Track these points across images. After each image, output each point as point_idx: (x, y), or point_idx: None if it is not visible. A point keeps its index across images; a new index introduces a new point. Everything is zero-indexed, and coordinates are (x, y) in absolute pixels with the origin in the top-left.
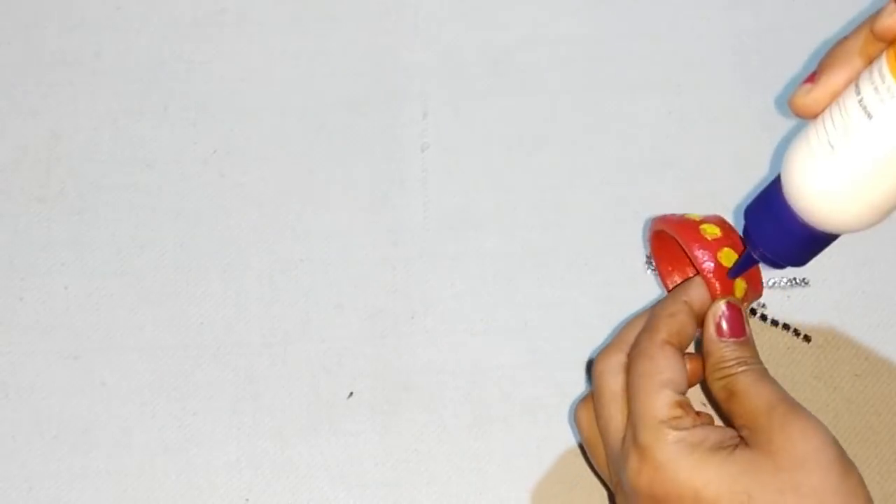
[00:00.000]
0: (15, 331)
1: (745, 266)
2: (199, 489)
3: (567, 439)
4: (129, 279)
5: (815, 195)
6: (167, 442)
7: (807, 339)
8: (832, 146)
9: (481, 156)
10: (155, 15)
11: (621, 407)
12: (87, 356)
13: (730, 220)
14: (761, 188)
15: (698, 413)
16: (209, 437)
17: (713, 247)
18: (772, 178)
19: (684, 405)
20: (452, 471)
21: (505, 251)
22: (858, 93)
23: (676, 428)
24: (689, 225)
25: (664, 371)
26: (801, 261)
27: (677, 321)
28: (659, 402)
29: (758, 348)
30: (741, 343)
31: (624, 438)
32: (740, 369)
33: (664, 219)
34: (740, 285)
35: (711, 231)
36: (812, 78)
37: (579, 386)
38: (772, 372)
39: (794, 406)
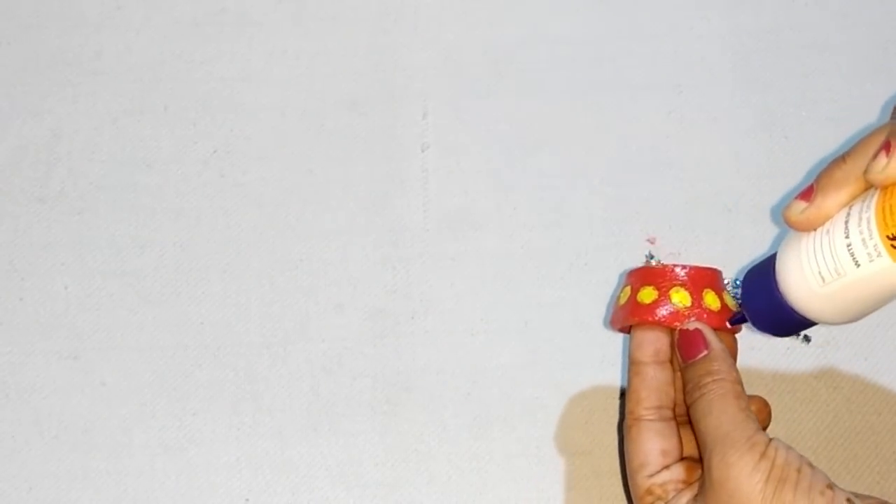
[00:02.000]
0: (15, 331)
1: (739, 322)
2: (199, 489)
3: (567, 439)
4: (129, 279)
5: (806, 303)
6: (167, 442)
7: (807, 339)
8: (823, 279)
9: (481, 156)
10: (155, 15)
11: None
12: (87, 356)
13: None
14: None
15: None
16: (209, 437)
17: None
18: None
19: (654, 488)
20: (452, 471)
21: (505, 251)
22: (847, 236)
23: None
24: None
25: (632, 458)
26: (786, 334)
27: (646, 385)
28: (636, 487)
29: (758, 349)
30: (694, 365)
31: None
32: (695, 395)
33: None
34: (681, 294)
35: (648, 298)
36: (807, 194)
37: (579, 386)
38: (772, 372)
39: (726, 445)
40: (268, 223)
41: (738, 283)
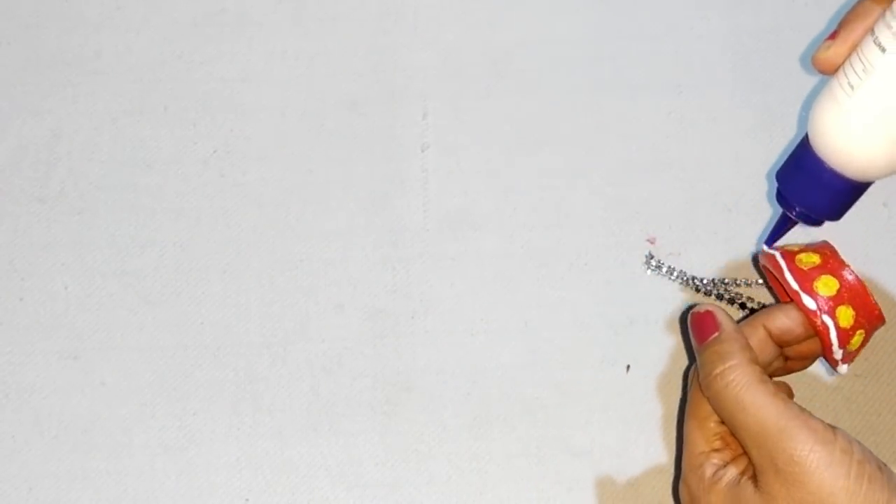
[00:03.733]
0: (15, 331)
1: (780, 230)
2: (199, 489)
3: (567, 439)
4: (129, 279)
5: (840, 138)
6: (167, 442)
7: None
8: (852, 86)
9: (481, 156)
10: (155, 15)
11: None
12: (87, 356)
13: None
14: (789, 151)
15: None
16: (209, 437)
17: (809, 276)
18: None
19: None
20: (452, 471)
21: (505, 251)
22: (874, 33)
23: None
24: (786, 257)
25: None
26: (836, 213)
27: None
28: (701, 434)
29: None
30: (709, 345)
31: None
32: (713, 386)
33: (767, 255)
34: (845, 313)
35: (808, 260)
36: (833, 35)
37: (579, 386)
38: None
39: (786, 440)
40: (268, 223)
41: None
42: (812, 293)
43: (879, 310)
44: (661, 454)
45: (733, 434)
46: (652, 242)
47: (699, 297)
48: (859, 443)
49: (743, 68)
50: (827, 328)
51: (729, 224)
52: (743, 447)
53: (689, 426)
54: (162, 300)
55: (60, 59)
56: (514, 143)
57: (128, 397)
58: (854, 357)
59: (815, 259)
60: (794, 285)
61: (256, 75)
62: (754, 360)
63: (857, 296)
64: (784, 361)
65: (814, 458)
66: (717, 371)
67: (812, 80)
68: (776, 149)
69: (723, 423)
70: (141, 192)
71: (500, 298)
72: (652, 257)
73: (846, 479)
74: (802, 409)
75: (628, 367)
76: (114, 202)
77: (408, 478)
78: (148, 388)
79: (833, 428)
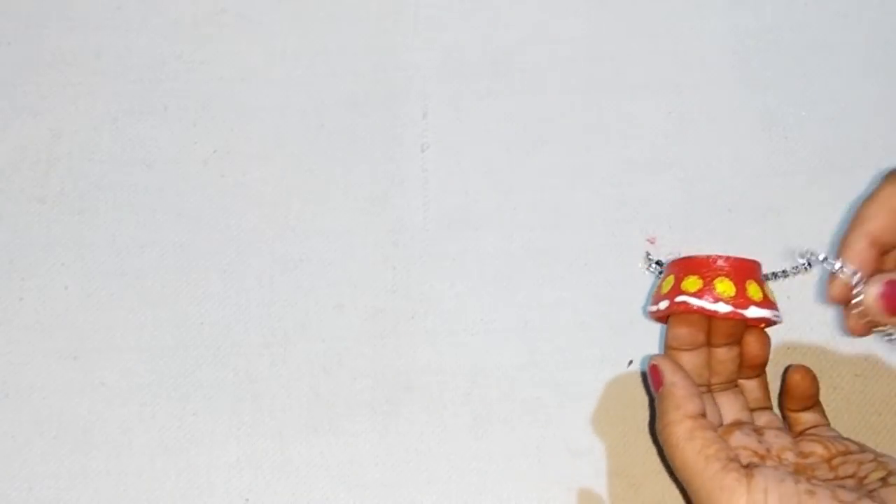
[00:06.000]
0: (15, 331)
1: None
2: (199, 489)
3: (567, 439)
4: (129, 279)
5: None
6: (167, 442)
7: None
8: None
9: (481, 156)
10: (155, 15)
11: None
12: (87, 356)
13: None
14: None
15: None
16: (209, 437)
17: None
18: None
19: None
20: (452, 471)
21: (505, 251)
22: None
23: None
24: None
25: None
26: None
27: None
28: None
29: None
30: (657, 401)
31: None
32: (662, 439)
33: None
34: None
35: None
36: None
37: (579, 386)
38: (771, 372)
39: (702, 488)
40: (268, 223)
41: (807, 261)
42: (681, 292)
43: (748, 259)
44: (660, 454)
45: None
46: (652, 242)
47: None
48: (782, 483)
49: (743, 68)
50: (703, 307)
51: (729, 224)
52: None
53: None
54: (162, 300)
55: (60, 59)
56: (514, 143)
57: (128, 397)
58: (759, 297)
59: (699, 283)
60: (664, 304)
61: (256, 75)
62: (688, 415)
63: (740, 267)
64: (735, 347)
65: None
66: (658, 428)
67: (811, 82)
68: (776, 149)
69: None
70: (141, 192)
71: (500, 298)
72: (651, 257)
73: None
74: (724, 465)
75: (630, 361)
76: (114, 202)
77: (408, 478)
78: (148, 388)
79: (750, 478)
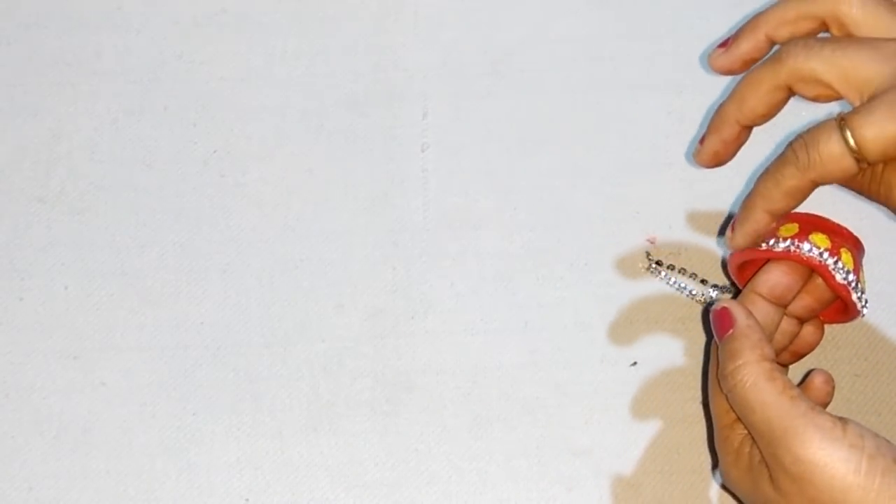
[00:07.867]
0: (15, 331)
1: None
2: (199, 489)
3: (567, 439)
4: (129, 279)
5: None
6: (167, 442)
7: None
8: None
9: (481, 156)
10: (155, 15)
11: None
12: (87, 356)
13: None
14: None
15: None
16: (209, 437)
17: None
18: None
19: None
20: (452, 471)
21: (505, 251)
22: None
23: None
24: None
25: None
26: None
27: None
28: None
29: None
30: (724, 342)
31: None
32: (726, 386)
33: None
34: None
35: (786, 231)
36: (725, 44)
37: (579, 386)
38: None
39: (791, 439)
40: (268, 223)
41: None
42: (807, 241)
43: (850, 232)
44: (661, 454)
45: (752, 435)
46: (652, 242)
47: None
48: (874, 435)
49: None
50: (826, 265)
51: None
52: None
53: (713, 396)
54: (162, 300)
55: (60, 59)
56: (514, 143)
57: (128, 397)
58: (863, 287)
59: (826, 242)
60: (784, 245)
61: (256, 75)
62: (765, 357)
63: (858, 247)
64: (798, 325)
65: (821, 457)
66: (728, 370)
67: None
68: (776, 149)
69: None
70: (141, 192)
71: (500, 298)
72: (651, 257)
73: (856, 475)
74: (812, 406)
75: (634, 363)
76: (114, 202)
77: (408, 478)
78: (148, 388)
79: (843, 422)
